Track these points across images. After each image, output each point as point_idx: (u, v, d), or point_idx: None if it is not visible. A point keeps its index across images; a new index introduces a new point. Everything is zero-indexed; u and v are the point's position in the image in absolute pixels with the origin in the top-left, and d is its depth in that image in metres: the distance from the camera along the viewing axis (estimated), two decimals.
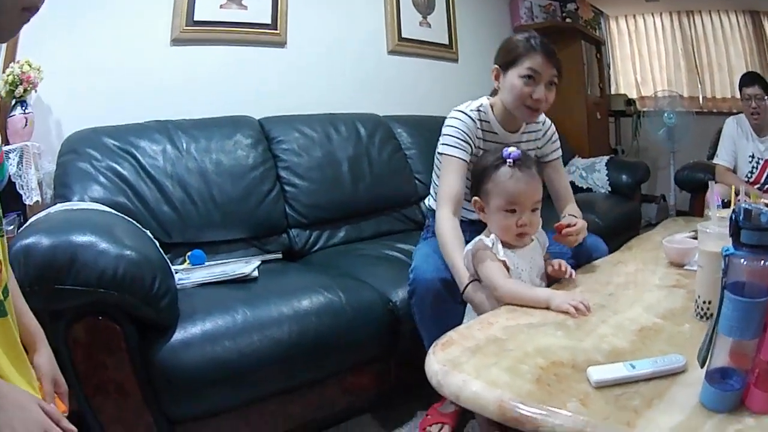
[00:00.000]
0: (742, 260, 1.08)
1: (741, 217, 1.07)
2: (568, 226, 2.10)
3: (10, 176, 2.36)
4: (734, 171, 4.01)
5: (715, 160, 4.11)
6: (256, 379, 2.02)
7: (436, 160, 2.36)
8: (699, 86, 5.84)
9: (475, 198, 1.93)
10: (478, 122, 2.25)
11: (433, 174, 2.44)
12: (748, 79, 3.87)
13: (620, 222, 3.85)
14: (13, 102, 2.50)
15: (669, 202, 5.68)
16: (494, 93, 2.30)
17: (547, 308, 1.67)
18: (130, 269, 1.74)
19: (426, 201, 2.58)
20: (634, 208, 4.43)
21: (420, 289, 2.09)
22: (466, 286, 1.94)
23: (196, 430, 2.01)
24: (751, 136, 3.91)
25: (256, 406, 2.10)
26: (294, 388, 2.17)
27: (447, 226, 2.09)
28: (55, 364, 1.29)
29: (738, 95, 4.82)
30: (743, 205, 1.09)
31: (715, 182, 3.65)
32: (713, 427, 1.04)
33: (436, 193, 2.32)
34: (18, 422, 0.95)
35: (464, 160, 2.19)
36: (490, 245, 1.84)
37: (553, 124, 2.46)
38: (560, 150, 2.48)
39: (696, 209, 4.27)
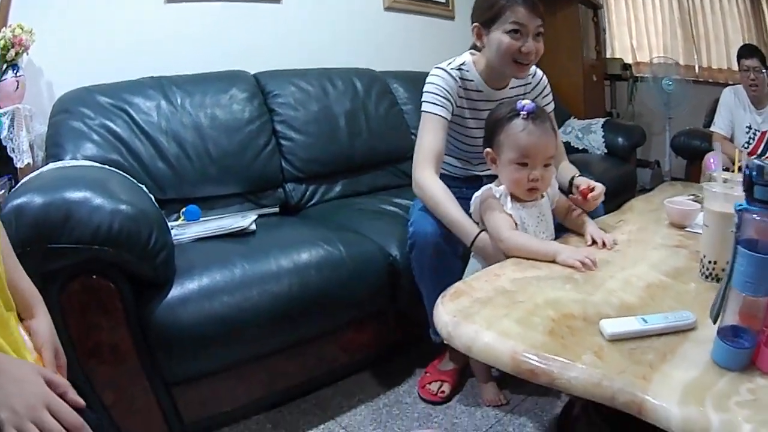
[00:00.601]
0: (755, 216, 1.07)
1: (755, 173, 1.07)
2: (591, 190, 2.05)
3: (0, 140, 2.33)
4: (731, 141, 4.00)
5: (712, 128, 4.11)
6: (256, 335, 2.00)
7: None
8: (695, 55, 5.79)
9: (488, 150, 1.90)
10: (459, 80, 2.19)
11: None
12: (747, 50, 3.86)
13: (616, 184, 3.79)
14: (5, 66, 2.45)
15: (663, 168, 5.68)
16: (475, 48, 2.24)
17: (553, 262, 1.67)
18: (126, 224, 1.69)
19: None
20: (630, 171, 4.41)
21: (420, 242, 2.06)
22: (476, 236, 1.92)
23: (192, 391, 1.99)
24: (749, 107, 3.91)
25: (254, 364, 2.09)
26: (292, 345, 2.15)
27: (436, 185, 2.05)
28: (54, 332, 1.25)
29: (734, 67, 4.84)
30: (756, 161, 1.08)
31: (712, 150, 3.72)
32: (726, 384, 1.04)
33: None
34: (17, 400, 0.91)
35: (444, 117, 2.14)
36: (498, 196, 1.83)
37: (545, 76, 2.38)
38: (553, 104, 2.40)
39: (692, 175, 4.26)
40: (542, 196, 1.94)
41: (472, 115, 2.26)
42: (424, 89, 2.19)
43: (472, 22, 2.14)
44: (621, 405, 1.05)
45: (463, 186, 2.25)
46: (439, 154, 2.13)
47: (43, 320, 1.24)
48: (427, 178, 2.07)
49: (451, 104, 2.16)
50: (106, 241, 1.65)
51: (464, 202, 2.03)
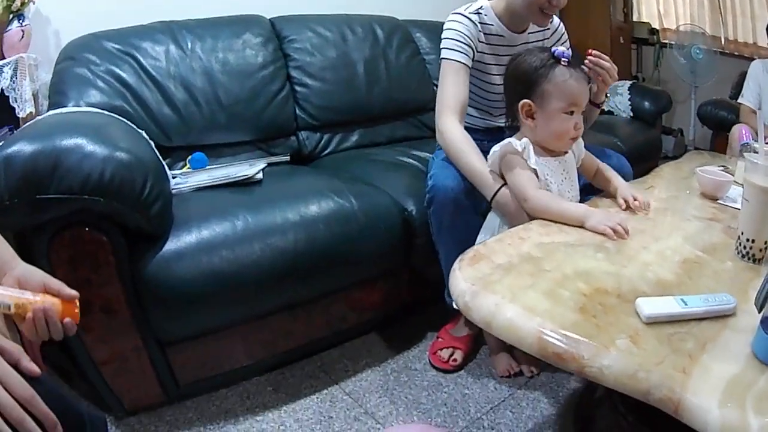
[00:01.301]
0: None
1: None
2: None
3: (3, 90, 2.28)
4: (757, 113, 3.90)
5: (740, 100, 4.02)
6: (257, 293, 1.92)
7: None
8: (722, 27, 5.70)
9: (526, 101, 1.78)
10: (479, 25, 2.13)
11: None
12: None
13: (642, 149, 3.74)
14: (11, 16, 2.39)
15: (687, 137, 5.61)
16: None
17: (581, 227, 1.58)
18: (119, 172, 1.60)
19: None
20: (656, 137, 4.32)
21: (439, 197, 1.97)
22: (498, 190, 1.84)
23: (187, 351, 1.93)
24: None
25: (254, 323, 2.02)
26: (297, 304, 2.09)
27: (458, 133, 2.00)
28: (38, 271, 1.17)
29: (760, 42, 4.74)
30: None
31: (739, 122, 3.66)
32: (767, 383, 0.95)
33: None
34: None
35: (465, 64, 2.09)
36: (521, 149, 1.74)
37: (562, 24, 2.36)
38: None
39: (717, 146, 4.22)
40: (567, 152, 1.86)
41: (494, 61, 2.20)
42: (443, 36, 2.14)
43: None
44: (656, 401, 0.96)
45: (484, 138, 2.16)
46: (464, 103, 2.08)
47: (26, 265, 1.18)
48: (450, 126, 2.02)
49: (472, 50, 2.11)
50: (96, 191, 1.57)
51: (486, 155, 1.96)
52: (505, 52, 2.16)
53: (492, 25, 2.16)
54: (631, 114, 4.23)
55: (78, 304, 1.17)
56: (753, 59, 4.27)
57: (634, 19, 6.07)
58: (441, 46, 2.13)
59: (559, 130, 1.75)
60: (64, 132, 1.61)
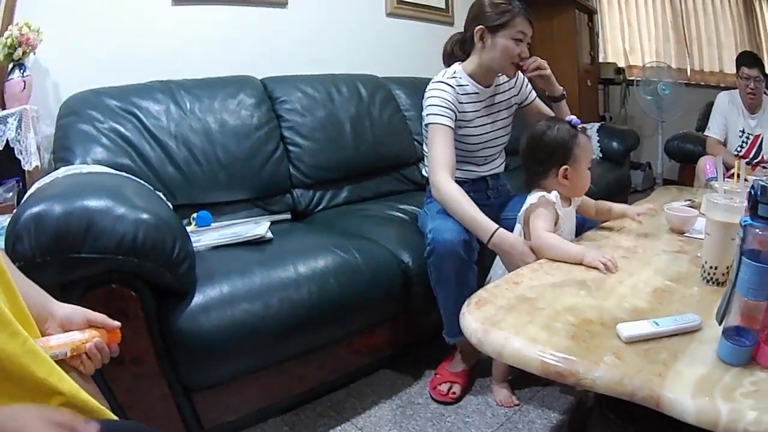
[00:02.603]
0: (758, 230, 1.19)
1: (759, 193, 1.19)
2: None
3: (8, 141, 2.31)
4: (724, 144, 4.08)
5: (707, 133, 4.21)
6: (276, 342, 2.03)
7: (423, 131, 2.47)
8: (687, 58, 5.86)
9: (566, 166, 2.05)
10: (456, 87, 2.37)
11: (424, 145, 2.52)
12: (748, 59, 3.95)
13: (611, 187, 3.90)
14: (11, 65, 2.43)
15: (655, 170, 5.75)
16: (461, 56, 2.49)
17: (580, 263, 1.79)
18: (151, 234, 1.67)
19: (423, 170, 2.66)
20: (625, 175, 4.51)
21: (439, 249, 2.13)
22: (493, 233, 2.09)
23: (212, 397, 2.01)
24: (743, 112, 4.01)
25: (272, 370, 2.12)
26: (310, 351, 2.19)
27: (453, 187, 2.20)
28: (78, 309, 1.23)
29: (726, 70, 4.87)
30: (761, 182, 1.19)
31: (705, 154, 3.80)
32: (732, 378, 1.15)
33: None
34: None
35: (451, 126, 2.31)
36: (554, 200, 2.00)
37: (524, 77, 2.59)
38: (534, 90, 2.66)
39: (685, 179, 4.37)
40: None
41: (472, 117, 2.45)
42: (428, 103, 2.35)
43: (476, 25, 2.32)
44: (640, 400, 1.15)
45: (470, 190, 2.34)
46: (452, 161, 2.28)
47: (62, 305, 1.22)
48: (444, 182, 2.21)
49: (454, 113, 2.34)
50: (131, 251, 1.63)
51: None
52: (479, 106, 2.46)
53: (467, 85, 2.42)
54: (600, 155, 4.40)
55: (120, 331, 1.26)
56: (719, 87, 4.44)
57: (601, 60, 6.25)
58: (427, 112, 2.34)
59: (586, 183, 2.10)
60: (91, 193, 1.66)
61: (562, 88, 2.50)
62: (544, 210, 2.00)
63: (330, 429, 2.23)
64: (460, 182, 2.29)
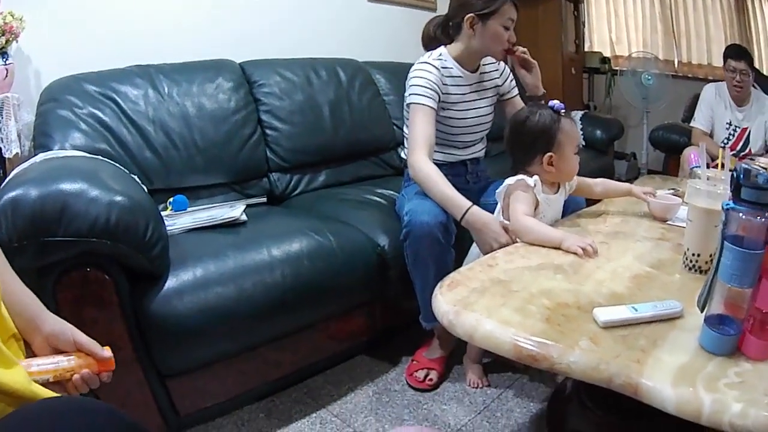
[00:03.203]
0: (741, 214, 1.15)
1: (742, 176, 1.16)
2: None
3: None
4: (710, 136, 4.08)
5: (693, 124, 4.21)
6: (250, 325, 2.01)
7: (404, 112, 2.48)
8: (675, 50, 5.84)
9: (550, 153, 2.02)
10: (441, 69, 2.37)
11: (405, 127, 2.53)
12: (735, 52, 3.93)
13: (595, 175, 3.78)
14: None
15: (640, 161, 5.75)
16: (444, 40, 2.49)
17: (558, 248, 1.76)
18: (123, 216, 1.67)
19: (402, 152, 2.62)
20: (608, 164, 4.49)
21: (416, 231, 2.12)
22: (467, 210, 2.08)
23: (187, 383, 2.00)
24: (730, 105, 4.02)
25: (247, 354, 2.10)
26: (284, 335, 2.18)
27: (429, 166, 2.20)
28: (68, 327, 1.19)
29: (715, 63, 4.86)
30: (743, 165, 1.16)
31: (691, 144, 3.81)
32: (715, 368, 1.11)
33: None
34: None
35: (432, 107, 2.31)
36: (533, 185, 1.97)
37: (507, 66, 2.64)
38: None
39: (670, 169, 4.39)
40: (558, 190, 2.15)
41: (456, 99, 2.44)
42: (411, 83, 2.34)
43: (465, 12, 2.32)
44: (617, 387, 1.11)
45: (449, 173, 2.31)
46: (431, 141, 2.28)
47: (54, 318, 1.19)
48: (421, 161, 2.20)
49: (437, 95, 2.33)
50: (104, 234, 1.63)
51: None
52: (464, 90, 2.45)
53: (452, 68, 2.41)
54: (583, 143, 4.36)
55: (113, 359, 1.19)
56: (707, 80, 4.44)
57: (587, 48, 6.23)
58: (409, 92, 2.34)
59: (573, 168, 2.09)
60: (67, 177, 1.66)
61: (544, 90, 2.49)
62: (523, 193, 1.97)
63: (306, 416, 2.21)
64: (439, 164, 2.28)
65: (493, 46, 2.33)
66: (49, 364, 1.09)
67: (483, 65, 2.51)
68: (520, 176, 2.01)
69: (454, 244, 2.18)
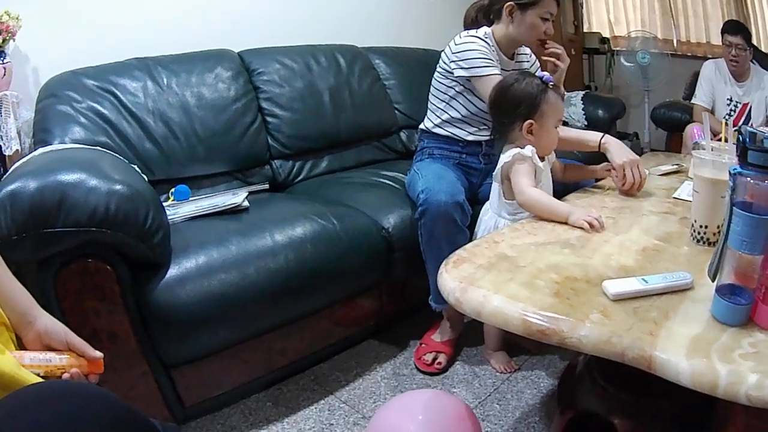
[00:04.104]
0: (749, 179, 1.12)
1: (748, 139, 1.13)
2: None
3: None
4: (712, 113, 4.05)
5: (694, 101, 4.18)
6: (254, 312, 2.00)
7: (435, 82, 2.50)
8: (673, 29, 5.80)
9: (530, 121, 2.02)
10: (488, 45, 2.39)
11: (432, 97, 2.55)
12: (732, 27, 3.91)
13: (597, 155, 3.83)
14: None
15: (642, 140, 5.72)
16: (485, 22, 2.49)
17: (565, 223, 1.76)
18: (123, 205, 1.66)
19: (422, 124, 2.62)
20: None
21: (432, 210, 2.12)
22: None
23: (192, 373, 1.98)
24: (730, 80, 4.00)
25: (252, 342, 2.09)
26: (289, 322, 2.17)
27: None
28: (60, 326, 1.18)
29: (713, 41, 4.84)
30: (749, 128, 1.13)
31: (693, 122, 3.79)
32: (729, 338, 1.09)
33: (436, 116, 2.51)
34: None
35: (499, 75, 2.29)
36: (530, 155, 1.97)
37: (536, 58, 2.65)
38: None
39: (672, 147, 4.33)
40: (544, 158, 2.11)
41: None
42: (467, 55, 2.35)
43: (506, 0, 2.33)
44: (631, 360, 1.09)
45: (464, 152, 2.40)
46: None
47: (47, 317, 1.18)
48: None
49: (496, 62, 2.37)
50: (103, 223, 1.62)
51: (463, 168, 2.40)
52: (500, 72, 2.37)
53: (493, 48, 2.41)
54: (586, 123, 4.34)
55: (102, 361, 1.19)
56: (706, 58, 4.42)
57: (585, 29, 6.19)
58: (468, 65, 2.34)
59: (552, 140, 2.08)
60: (64, 167, 1.64)
61: (564, 91, 2.45)
62: (522, 165, 1.97)
63: (314, 403, 2.19)
64: (456, 140, 2.38)
65: (529, 36, 2.34)
66: (41, 359, 1.10)
67: (518, 54, 2.54)
68: (514, 150, 2.01)
69: (469, 225, 2.19)
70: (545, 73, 2.08)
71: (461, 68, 2.36)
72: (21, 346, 1.15)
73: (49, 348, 1.14)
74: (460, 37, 2.40)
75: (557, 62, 2.39)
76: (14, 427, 0.79)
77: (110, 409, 0.92)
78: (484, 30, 2.43)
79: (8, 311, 1.13)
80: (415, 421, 1.59)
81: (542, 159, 2.06)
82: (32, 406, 0.83)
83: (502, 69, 2.40)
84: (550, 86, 2.04)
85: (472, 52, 2.33)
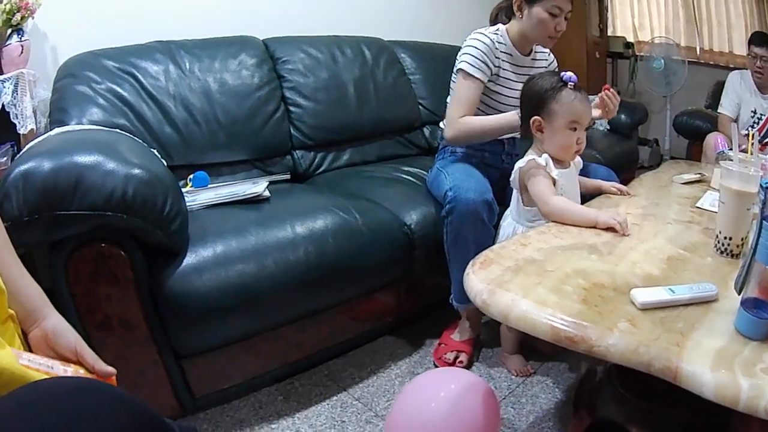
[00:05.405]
0: None
1: None
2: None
3: (3, 105, 2.26)
4: (735, 123, 4.03)
5: (720, 110, 4.16)
6: (271, 305, 1.98)
7: (452, 81, 2.48)
8: (697, 37, 5.79)
9: (537, 117, 2.00)
10: (496, 44, 2.38)
11: (450, 96, 2.53)
12: (759, 38, 3.90)
13: (619, 160, 3.82)
14: (9, 30, 2.37)
15: (663, 147, 5.71)
16: (505, 21, 2.50)
17: (594, 227, 1.75)
18: (141, 189, 1.62)
19: (442, 122, 2.60)
20: (632, 148, 4.42)
21: (460, 208, 2.11)
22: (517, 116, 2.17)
23: (202, 363, 1.96)
24: (754, 91, 3.98)
25: (266, 335, 2.07)
26: (306, 315, 2.14)
27: (467, 119, 2.33)
28: (71, 330, 1.14)
29: (736, 51, 4.81)
30: None
31: (715, 131, 3.78)
32: (751, 352, 1.09)
33: None
34: None
35: (479, 78, 2.34)
36: (544, 164, 1.94)
37: (555, 60, 2.67)
38: None
39: (693, 155, 4.32)
40: (570, 165, 2.08)
41: (508, 76, 2.46)
42: (463, 51, 2.38)
43: None
44: (657, 371, 1.08)
45: (486, 150, 2.40)
46: (472, 110, 2.36)
47: (59, 317, 1.14)
48: (460, 119, 2.33)
49: (489, 68, 2.37)
50: (120, 207, 1.58)
51: (486, 168, 2.34)
52: (513, 70, 2.47)
53: (504, 44, 2.43)
54: (608, 127, 4.33)
55: (115, 379, 1.12)
56: (728, 68, 4.40)
57: (609, 33, 6.18)
58: (460, 59, 2.37)
59: (564, 143, 1.98)
60: (82, 149, 1.61)
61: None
62: (537, 173, 1.95)
63: (326, 399, 2.17)
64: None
65: (539, 31, 2.33)
66: (41, 363, 0.99)
67: (535, 51, 2.54)
68: (528, 157, 2.00)
69: (497, 223, 2.18)
70: (569, 72, 2.01)
71: (457, 62, 2.40)
72: (26, 343, 1.11)
73: (54, 350, 1.09)
74: (471, 34, 2.40)
75: (609, 112, 2.24)
76: (15, 426, 0.75)
77: (120, 407, 0.86)
78: (497, 27, 2.44)
79: (17, 306, 1.08)
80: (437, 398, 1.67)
81: (566, 165, 2.05)
82: (34, 406, 0.79)
83: (517, 66, 2.45)
84: (570, 86, 1.97)
85: (469, 48, 2.35)
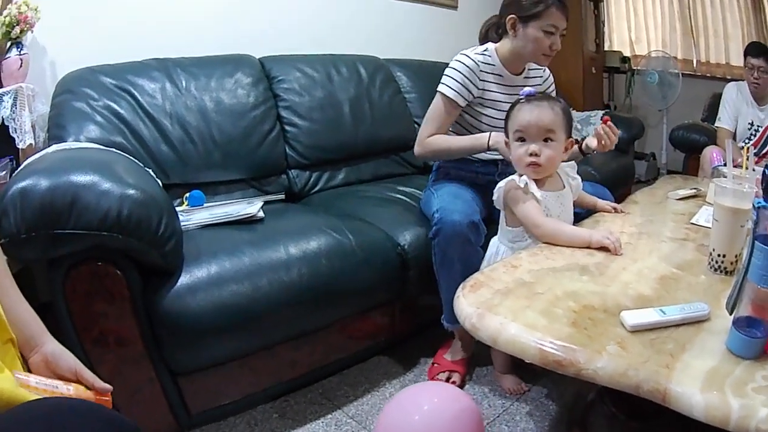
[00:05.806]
0: None
1: None
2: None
3: (2, 119, 2.26)
4: (733, 136, 4.04)
5: (718, 124, 4.16)
6: (266, 324, 1.98)
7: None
8: (693, 49, 5.81)
9: (506, 140, 2.02)
10: (480, 65, 2.37)
11: None
12: (755, 49, 3.91)
13: (616, 175, 3.84)
14: (9, 44, 2.38)
15: (660, 161, 5.72)
16: (495, 39, 2.48)
17: (587, 247, 1.74)
18: (136, 210, 1.62)
19: None
20: (629, 163, 4.42)
21: (446, 230, 2.10)
22: (489, 138, 2.24)
23: (199, 381, 1.96)
24: (751, 103, 3.99)
25: (261, 353, 2.06)
26: (300, 335, 2.14)
27: (434, 138, 2.38)
28: (69, 354, 1.17)
29: (733, 62, 4.82)
30: None
31: (712, 144, 3.78)
32: (743, 372, 1.09)
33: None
34: None
35: (456, 101, 2.35)
36: (522, 185, 1.89)
37: (551, 76, 2.65)
38: None
39: (690, 169, 4.33)
40: (563, 187, 2.04)
41: (490, 97, 2.42)
42: (446, 73, 2.38)
43: (508, 13, 2.31)
44: (645, 393, 1.08)
45: (479, 170, 2.40)
46: (443, 130, 2.40)
47: (56, 343, 1.17)
48: (428, 140, 2.39)
49: (468, 91, 2.35)
50: (115, 228, 1.59)
51: (479, 188, 2.33)
52: (501, 90, 2.43)
53: (494, 65, 2.41)
54: None
55: (111, 395, 1.15)
56: (725, 79, 4.40)
57: (606, 48, 6.20)
58: (441, 81, 2.38)
59: (515, 156, 1.97)
60: (78, 168, 1.62)
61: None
62: (523, 198, 1.91)
63: (321, 417, 2.17)
64: (472, 161, 2.37)
65: (533, 50, 2.31)
66: (47, 384, 1.05)
67: (528, 69, 2.51)
68: (510, 177, 1.97)
69: (484, 244, 2.17)
70: (528, 88, 2.03)
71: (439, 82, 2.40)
72: (26, 368, 1.12)
73: (55, 373, 1.12)
74: (457, 55, 2.40)
75: (606, 146, 2.22)
76: None
77: (115, 429, 0.89)
78: (485, 47, 2.43)
79: (16, 332, 1.10)
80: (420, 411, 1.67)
81: (549, 186, 1.99)
82: (28, 426, 0.81)
83: (507, 86, 2.42)
84: (522, 100, 1.97)
85: (451, 71, 2.37)
